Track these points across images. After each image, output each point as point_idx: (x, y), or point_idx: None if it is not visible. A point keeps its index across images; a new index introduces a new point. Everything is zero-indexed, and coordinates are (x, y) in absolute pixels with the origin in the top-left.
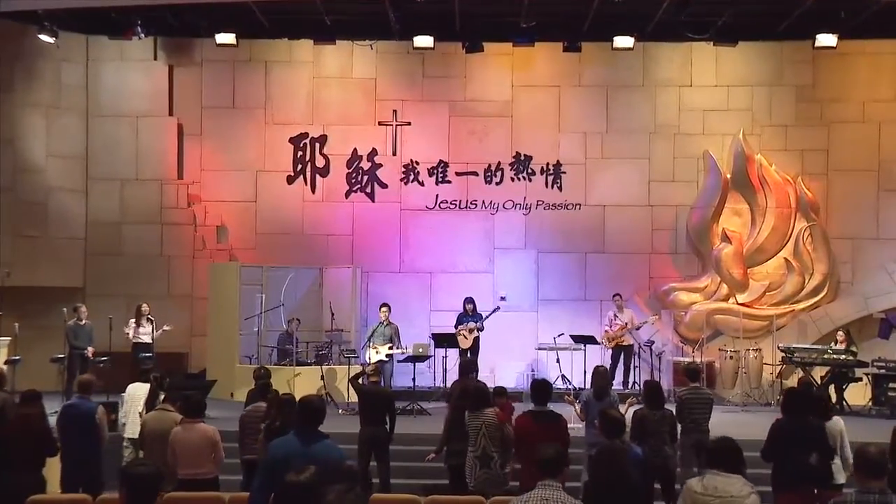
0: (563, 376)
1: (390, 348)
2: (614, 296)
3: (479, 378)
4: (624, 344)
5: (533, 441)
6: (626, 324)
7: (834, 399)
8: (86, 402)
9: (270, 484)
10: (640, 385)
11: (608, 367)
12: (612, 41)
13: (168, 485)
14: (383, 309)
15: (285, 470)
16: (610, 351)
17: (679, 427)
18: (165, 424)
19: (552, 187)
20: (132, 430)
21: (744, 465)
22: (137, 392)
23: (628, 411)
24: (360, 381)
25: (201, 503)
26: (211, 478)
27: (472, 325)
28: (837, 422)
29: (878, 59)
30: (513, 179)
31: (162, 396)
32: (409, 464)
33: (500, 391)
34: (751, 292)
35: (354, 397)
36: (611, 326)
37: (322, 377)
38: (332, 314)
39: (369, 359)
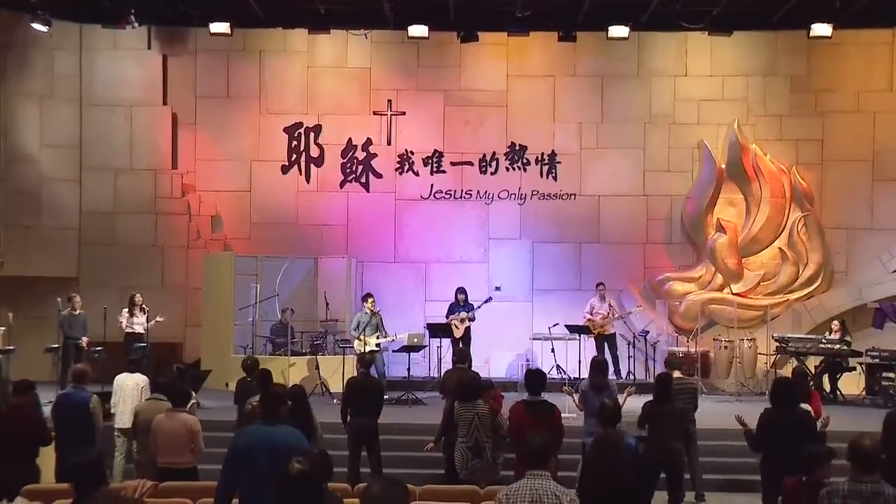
0: (558, 366)
1: (378, 338)
2: (598, 285)
3: (472, 368)
4: (606, 333)
5: (527, 430)
6: (608, 313)
7: (828, 389)
8: (80, 392)
9: (235, 474)
10: (634, 375)
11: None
12: (607, 31)
13: (147, 472)
14: (370, 300)
15: (248, 460)
16: (593, 340)
17: None
18: (157, 414)
19: (547, 177)
20: (122, 420)
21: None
22: (127, 382)
23: (626, 401)
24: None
25: (191, 493)
26: (189, 467)
27: (463, 314)
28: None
29: (873, 48)
30: (508, 169)
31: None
32: (404, 453)
33: (487, 385)
34: (745, 282)
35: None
36: (591, 314)
37: (317, 367)
38: (327, 304)
39: (359, 350)
